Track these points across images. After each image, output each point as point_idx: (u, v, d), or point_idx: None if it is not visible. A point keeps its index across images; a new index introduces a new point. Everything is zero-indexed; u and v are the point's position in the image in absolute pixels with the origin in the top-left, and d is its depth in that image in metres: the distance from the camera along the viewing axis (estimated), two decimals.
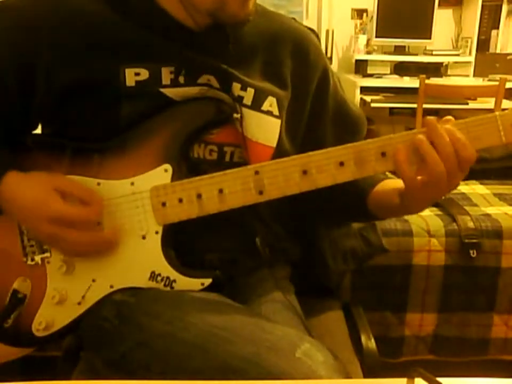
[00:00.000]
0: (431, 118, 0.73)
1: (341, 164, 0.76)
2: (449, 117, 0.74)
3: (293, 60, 0.90)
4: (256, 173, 0.77)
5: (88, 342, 0.84)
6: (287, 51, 0.90)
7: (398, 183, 0.82)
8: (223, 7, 0.77)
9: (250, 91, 0.85)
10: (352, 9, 3.83)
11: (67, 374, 0.90)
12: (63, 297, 0.82)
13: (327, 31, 3.76)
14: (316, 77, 0.93)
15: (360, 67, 3.76)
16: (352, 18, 3.84)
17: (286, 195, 0.77)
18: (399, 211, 0.88)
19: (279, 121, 0.88)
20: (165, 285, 0.81)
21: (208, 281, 0.81)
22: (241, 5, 0.78)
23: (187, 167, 0.82)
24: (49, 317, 0.83)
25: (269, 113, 0.87)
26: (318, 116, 0.95)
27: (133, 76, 0.80)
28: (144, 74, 0.81)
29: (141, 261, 0.81)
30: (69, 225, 0.77)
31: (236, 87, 0.84)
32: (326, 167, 0.76)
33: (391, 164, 0.75)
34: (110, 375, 0.78)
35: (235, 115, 0.83)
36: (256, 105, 0.85)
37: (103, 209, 0.80)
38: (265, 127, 0.86)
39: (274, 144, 0.87)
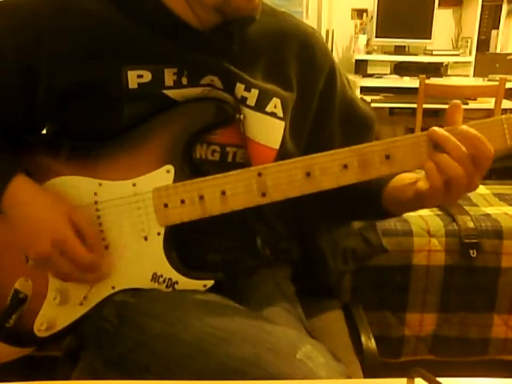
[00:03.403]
0: (438, 131, 0.72)
1: (345, 166, 0.75)
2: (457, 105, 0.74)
3: (298, 61, 0.90)
4: (259, 174, 0.77)
5: (88, 342, 0.85)
6: (293, 51, 0.89)
7: (410, 177, 0.81)
8: (228, 1, 0.77)
9: (254, 92, 0.84)
10: (352, 9, 3.83)
11: (67, 374, 0.90)
12: (65, 298, 0.82)
13: (327, 31, 3.76)
14: (322, 77, 0.92)
15: (360, 67, 3.76)
16: (352, 18, 3.84)
17: (289, 197, 0.77)
18: (413, 205, 0.85)
19: (283, 123, 0.87)
20: (166, 286, 0.81)
21: (210, 283, 0.81)
22: None
23: (189, 167, 0.82)
24: (51, 317, 0.83)
25: (273, 114, 0.86)
26: (325, 116, 0.94)
27: (135, 78, 0.80)
28: (147, 76, 0.80)
29: (143, 262, 0.81)
30: (66, 255, 0.77)
31: (240, 87, 0.83)
32: (330, 169, 0.75)
33: (395, 167, 0.75)
34: (109, 376, 0.78)
35: (237, 116, 0.82)
36: (260, 106, 0.85)
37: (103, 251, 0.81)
38: (268, 128, 0.86)
39: (277, 146, 0.87)
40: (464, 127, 0.72)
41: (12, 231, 0.82)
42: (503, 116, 0.73)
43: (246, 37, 0.85)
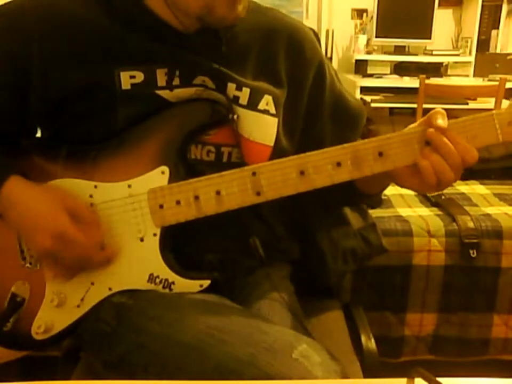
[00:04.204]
0: (433, 132, 0.73)
1: (338, 164, 0.76)
2: (441, 110, 0.74)
3: (287, 56, 0.90)
4: (253, 174, 0.77)
5: (86, 344, 0.85)
6: (282, 47, 0.89)
7: None
8: (211, 11, 0.77)
9: (246, 91, 0.84)
10: (352, 9, 3.83)
11: (67, 374, 0.90)
12: (62, 300, 0.82)
13: (327, 31, 3.76)
14: (312, 72, 0.92)
15: (360, 67, 3.76)
16: (352, 18, 3.84)
17: (283, 196, 0.77)
18: (382, 184, 0.89)
19: (276, 119, 0.87)
20: (163, 287, 0.81)
21: (206, 283, 0.81)
22: (229, 9, 0.77)
23: (184, 168, 0.82)
24: (49, 320, 0.83)
25: (265, 112, 0.86)
26: (315, 110, 0.94)
27: (128, 79, 0.80)
28: (139, 77, 0.80)
29: (139, 263, 0.81)
30: (70, 244, 0.77)
31: (231, 87, 0.84)
32: (323, 167, 0.76)
33: (388, 164, 0.75)
34: (109, 376, 0.78)
35: (231, 116, 0.83)
36: (252, 104, 0.85)
37: (105, 232, 0.80)
38: (262, 126, 0.86)
39: (272, 143, 0.87)
40: (460, 140, 0.73)
41: (8, 234, 0.82)
42: (494, 111, 0.74)
43: (234, 35, 0.85)
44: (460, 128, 0.74)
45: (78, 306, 0.82)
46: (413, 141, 0.75)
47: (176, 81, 0.82)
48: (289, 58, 0.90)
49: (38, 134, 0.90)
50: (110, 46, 0.80)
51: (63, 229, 0.77)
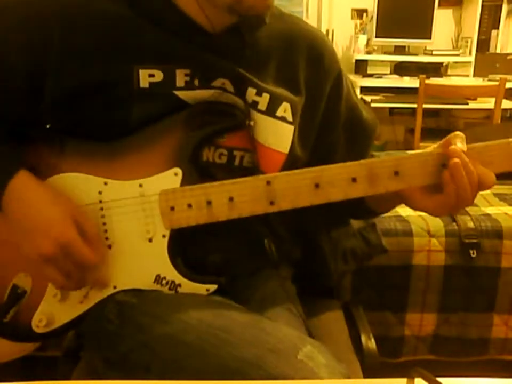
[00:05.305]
0: (456, 150, 0.73)
1: (354, 179, 0.75)
2: (460, 134, 0.75)
3: (307, 65, 0.89)
4: (268, 183, 0.76)
5: (88, 341, 0.84)
6: (302, 55, 0.89)
7: None
8: (241, 1, 0.75)
9: (266, 96, 0.84)
10: (352, 9, 3.83)
11: (67, 374, 0.90)
12: (65, 295, 0.82)
13: (327, 31, 3.76)
14: (330, 82, 0.92)
15: (360, 67, 3.76)
16: (352, 18, 3.84)
17: (297, 207, 0.77)
18: (392, 204, 0.90)
19: (292, 127, 0.87)
20: (169, 289, 0.80)
21: (213, 287, 0.80)
22: None
23: (197, 171, 0.81)
24: (50, 314, 0.82)
25: (282, 119, 0.85)
26: (331, 121, 0.94)
27: (146, 77, 0.79)
28: (159, 76, 0.79)
29: (146, 263, 0.81)
30: (70, 256, 0.76)
31: (251, 92, 0.83)
32: (338, 182, 0.76)
33: (402, 183, 0.75)
34: (110, 375, 0.78)
35: (247, 122, 0.82)
36: (271, 110, 0.84)
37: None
38: (278, 133, 0.85)
39: (286, 151, 0.86)
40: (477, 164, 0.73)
41: (11, 228, 0.81)
42: (510, 140, 0.74)
43: (257, 40, 0.84)
44: (475, 154, 0.74)
45: (81, 302, 0.82)
46: (429, 163, 0.75)
47: (196, 83, 0.81)
48: (309, 68, 0.89)
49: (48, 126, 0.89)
50: (131, 41, 0.79)
51: (70, 239, 0.75)
